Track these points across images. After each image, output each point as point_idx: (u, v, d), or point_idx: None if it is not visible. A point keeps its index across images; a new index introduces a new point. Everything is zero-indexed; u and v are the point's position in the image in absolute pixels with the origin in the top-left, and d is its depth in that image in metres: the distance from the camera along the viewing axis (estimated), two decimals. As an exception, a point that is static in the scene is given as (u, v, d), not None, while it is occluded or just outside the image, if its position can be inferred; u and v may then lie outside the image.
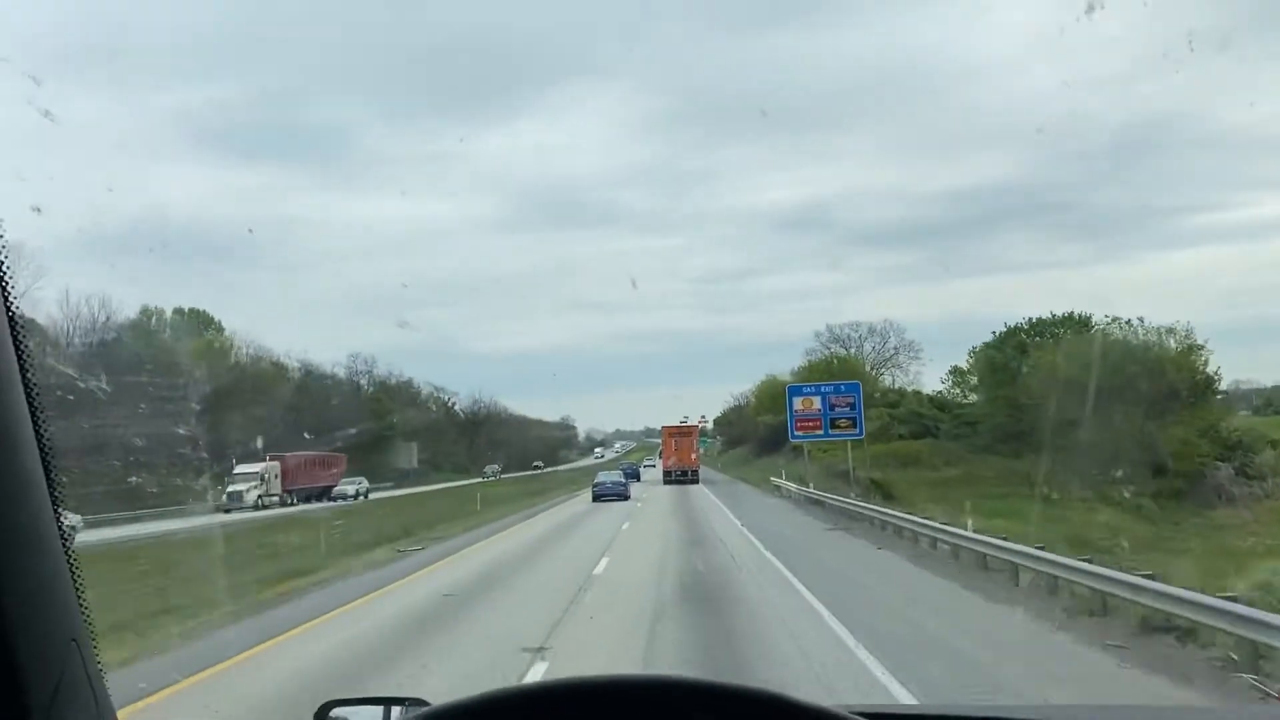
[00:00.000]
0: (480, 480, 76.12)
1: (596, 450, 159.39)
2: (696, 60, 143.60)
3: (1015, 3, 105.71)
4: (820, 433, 48.91)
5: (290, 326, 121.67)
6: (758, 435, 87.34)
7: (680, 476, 64.57)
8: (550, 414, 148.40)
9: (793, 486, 44.53)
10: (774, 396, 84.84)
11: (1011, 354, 64.60)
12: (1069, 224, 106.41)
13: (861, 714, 1.12)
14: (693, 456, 67.70)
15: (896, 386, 77.95)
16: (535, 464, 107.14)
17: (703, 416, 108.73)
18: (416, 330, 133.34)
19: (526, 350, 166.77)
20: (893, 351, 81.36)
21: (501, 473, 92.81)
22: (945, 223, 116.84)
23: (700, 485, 60.43)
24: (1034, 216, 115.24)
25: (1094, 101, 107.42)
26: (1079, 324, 62.85)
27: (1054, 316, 65.31)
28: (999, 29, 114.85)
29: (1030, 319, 66.04)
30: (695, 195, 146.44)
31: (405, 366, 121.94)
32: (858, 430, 48.19)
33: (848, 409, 47.84)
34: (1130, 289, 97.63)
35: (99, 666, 1.37)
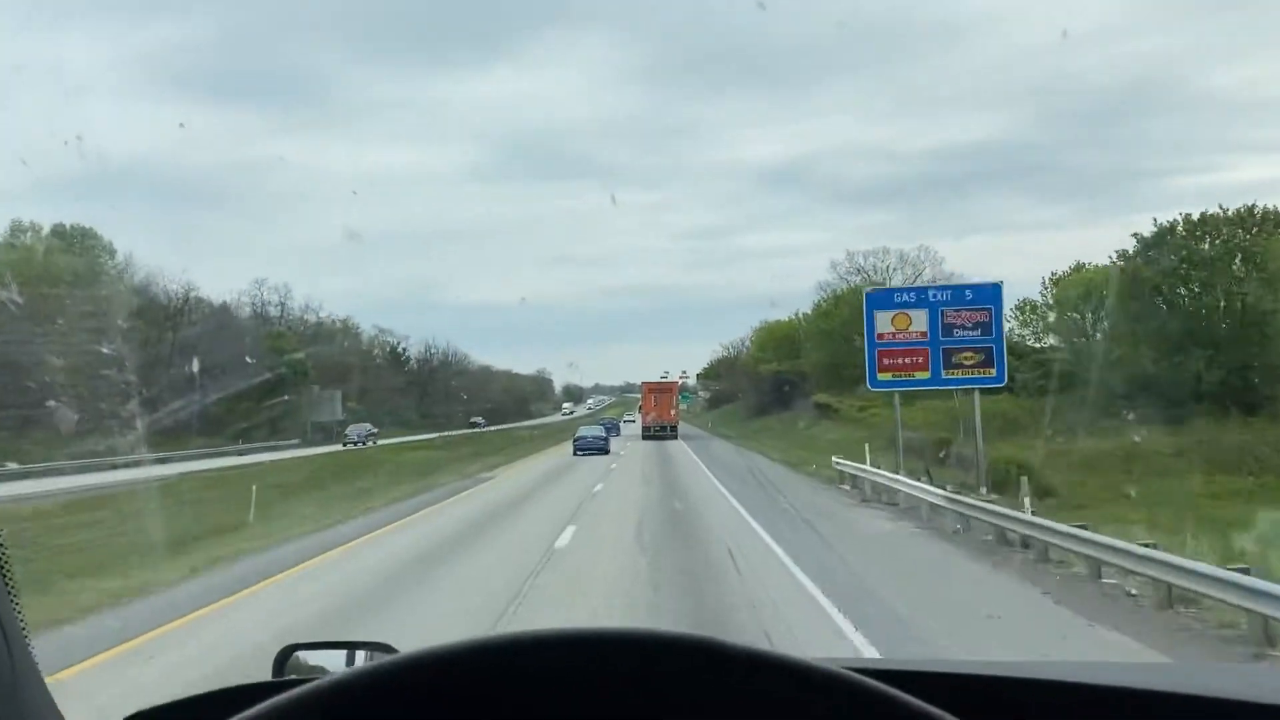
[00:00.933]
0: (429, 437, 61.32)
1: (565, 406, 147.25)
2: (680, 10, 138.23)
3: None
4: (925, 376, 26.65)
5: (251, 270, 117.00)
6: (758, 389, 74.64)
7: (659, 432, 65.10)
8: (526, 367, 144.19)
9: (890, 478, 23.75)
10: (781, 340, 71.43)
11: (1171, 267, 43.46)
12: (1052, 185, 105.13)
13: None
14: (672, 413, 67.85)
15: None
16: (473, 420, 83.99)
17: (683, 372, 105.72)
18: (367, 244, 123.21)
19: (502, 304, 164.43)
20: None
21: (486, 425, 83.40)
22: (928, 181, 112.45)
23: (679, 441, 60.24)
24: (1018, 178, 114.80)
25: (1081, 60, 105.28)
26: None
27: (1226, 213, 44.86)
28: None
29: (1185, 215, 45.25)
30: (677, 149, 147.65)
31: (375, 319, 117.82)
32: (996, 372, 26.27)
33: (976, 333, 26.00)
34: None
35: (12, 599, 1.24)
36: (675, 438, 63.29)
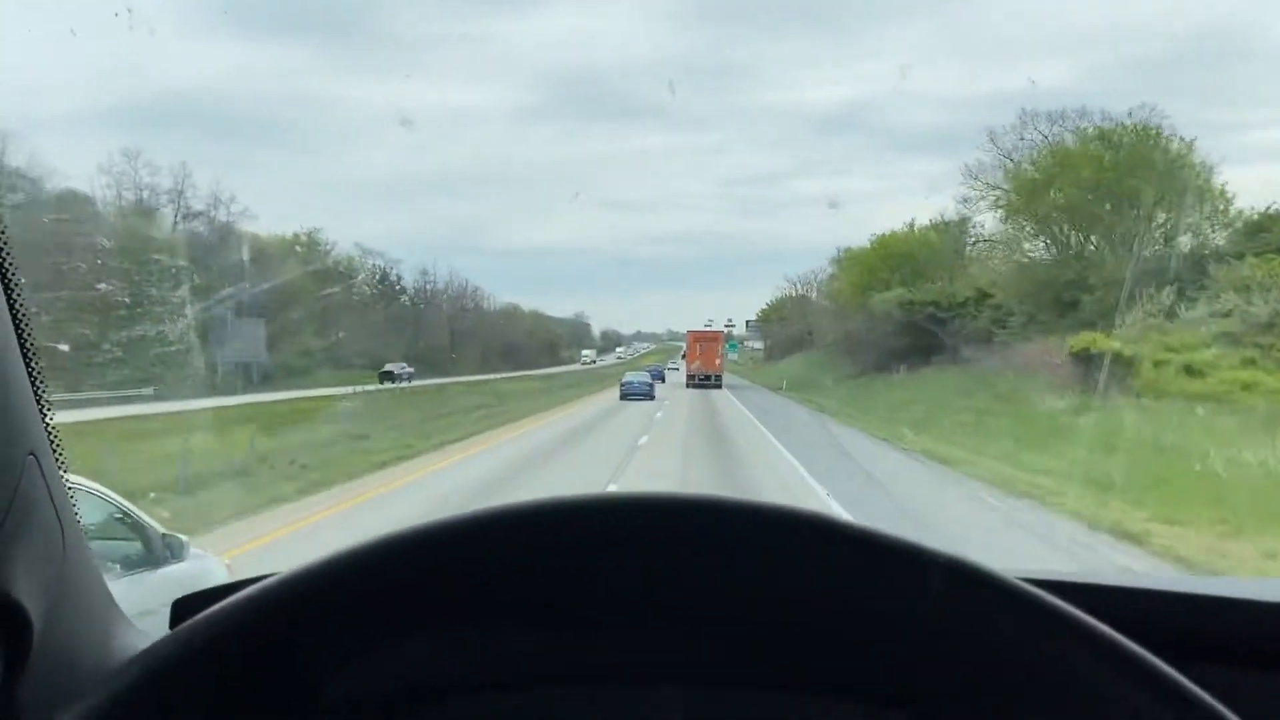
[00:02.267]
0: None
1: (585, 354, 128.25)
2: None
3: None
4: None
5: (285, 206, 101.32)
6: (867, 332, 49.13)
7: (704, 381, 63.47)
8: (566, 312, 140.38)
9: None
10: (899, 260, 49.67)
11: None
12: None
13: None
14: (716, 362, 66.27)
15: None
16: (388, 369, 55.16)
17: (729, 320, 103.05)
18: (406, 186, 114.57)
19: (543, 248, 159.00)
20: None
21: (408, 378, 65.52)
22: (992, 130, 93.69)
23: (725, 391, 58.89)
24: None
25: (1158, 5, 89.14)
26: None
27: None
28: None
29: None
30: (729, 91, 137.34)
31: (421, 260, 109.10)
32: None
33: None
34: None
35: (65, 483, 1.24)
36: (720, 387, 61.79)
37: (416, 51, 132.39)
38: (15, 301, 1.18)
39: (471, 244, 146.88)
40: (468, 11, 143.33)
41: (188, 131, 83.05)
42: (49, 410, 1.24)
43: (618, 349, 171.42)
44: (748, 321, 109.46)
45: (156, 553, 6.08)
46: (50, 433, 1.24)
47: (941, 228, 48.58)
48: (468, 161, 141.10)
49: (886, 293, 45.04)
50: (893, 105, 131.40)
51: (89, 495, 5.84)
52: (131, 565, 5.79)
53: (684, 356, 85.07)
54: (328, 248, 65.24)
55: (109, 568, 5.16)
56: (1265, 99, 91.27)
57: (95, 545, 2.85)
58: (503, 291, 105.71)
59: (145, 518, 6.26)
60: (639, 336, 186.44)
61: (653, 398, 49.14)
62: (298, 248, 58.68)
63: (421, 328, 72.76)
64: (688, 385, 64.48)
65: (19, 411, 1.17)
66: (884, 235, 53.81)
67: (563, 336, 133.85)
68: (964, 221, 45.30)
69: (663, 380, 72.94)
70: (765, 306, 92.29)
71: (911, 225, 52.79)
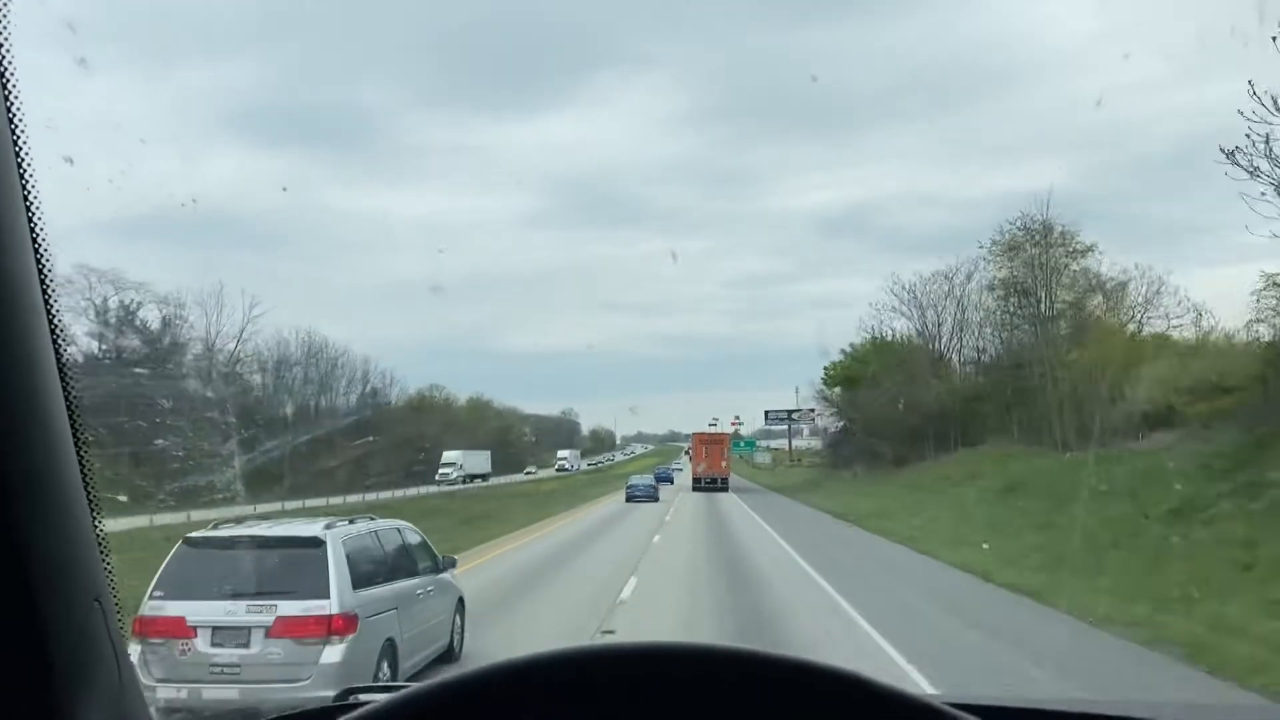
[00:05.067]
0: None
1: (561, 455, 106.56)
2: (736, 54, 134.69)
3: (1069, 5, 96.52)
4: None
5: (299, 314, 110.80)
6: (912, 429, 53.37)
7: (709, 484, 63.28)
8: (587, 417, 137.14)
9: None
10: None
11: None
12: (1117, 236, 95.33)
13: (959, 705, 1.05)
14: (723, 464, 66.32)
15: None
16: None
17: (736, 418, 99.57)
18: (412, 292, 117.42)
19: (547, 350, 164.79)
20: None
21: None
22: (988, 230, 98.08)
23: (731, 494, 58.47)
24: (1080, 227, 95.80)
25: (1149, 109, 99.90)
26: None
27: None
28: (1050, 25, 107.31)
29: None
30: (731, 196, 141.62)
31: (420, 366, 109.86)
32: None
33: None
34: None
35: (120, 625, 1.36)
36: (726, 489, 61.85)
37: (420, 161, 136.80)
38: (84, 457, 1.30)
39: (473, 348, 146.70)
40: (473, 122, 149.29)
41: (197, 238, 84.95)
42: (109, 556, 1.35)
43: (617, 450, 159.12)
44: (767, 412, 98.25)
45: (440, 564, 10.82)
46: (110, 577, 1.34)
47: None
48: (469, 268, 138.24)
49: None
50: (888, 208, 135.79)
51: (412, 530, 10.64)
52: (428, 571, 10.49)
53: (687, 453, 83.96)
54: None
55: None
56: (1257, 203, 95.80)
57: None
58: (503, 394, 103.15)
59: (433, 546, 11.02)
60: (639, 438, 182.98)
61: (657, 499, 51.42)
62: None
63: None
64: (693, 489, 64.05)
65: (85, 560, 1.27)
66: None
67: (548, 436, 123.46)
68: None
69: (670, 483, 73.57)
70: (834, 365, 71.09)
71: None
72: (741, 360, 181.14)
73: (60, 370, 1.25)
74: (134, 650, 7.99)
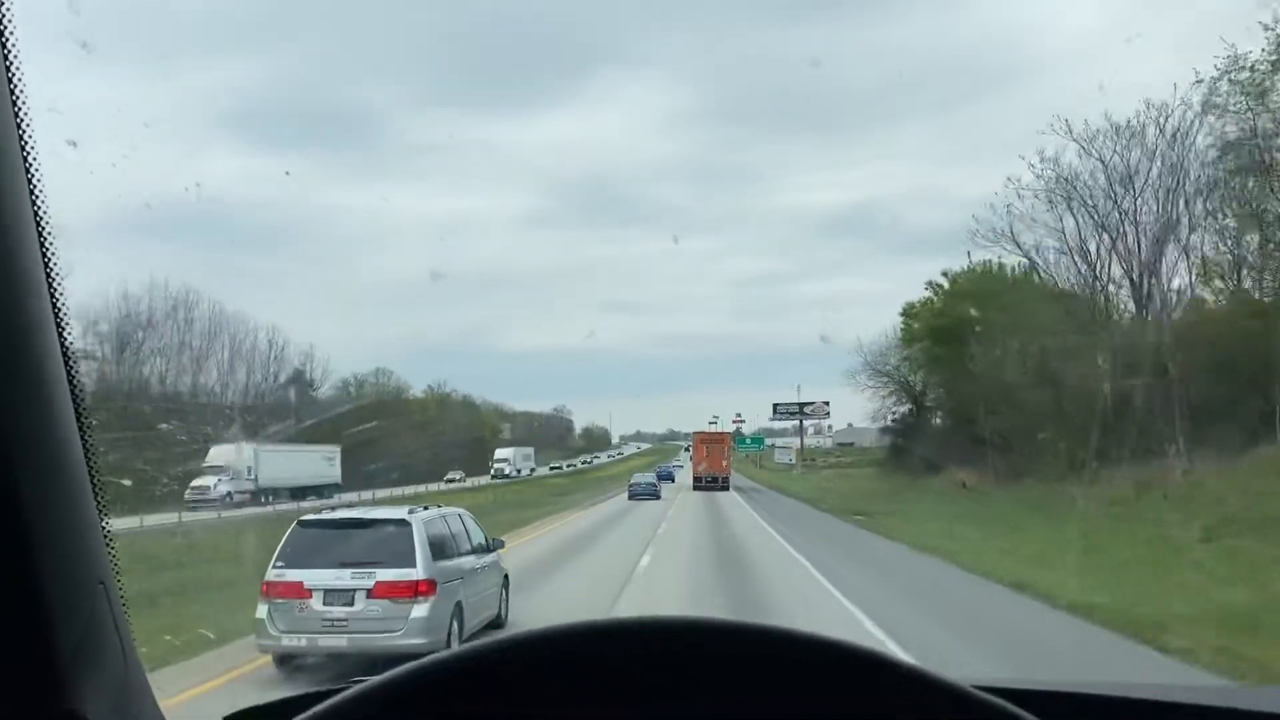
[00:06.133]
0: None
1: (499, 457, 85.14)
2: (737, 51, 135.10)
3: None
4: None
5: (294, 312, 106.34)
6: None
7: (710, 483, 62.44)
8: (587, 417, 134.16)
9: None
10: None
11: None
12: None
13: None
14: (723, 463, 65.77)
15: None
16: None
17: (738, 415, 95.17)
18: (412, 290, 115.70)
19: (546, 349, 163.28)
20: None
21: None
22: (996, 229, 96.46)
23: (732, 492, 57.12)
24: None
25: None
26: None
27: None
28: (1060, 21, 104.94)
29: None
30: (734, 195, 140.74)
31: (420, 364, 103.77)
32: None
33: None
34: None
35: (124, 609, 1.37)
36: (727, 489, 61.11)
37: (421, 159, 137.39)
38: (88, 441, 1.28)
39: (473, 349, 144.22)
40: (473, 119, 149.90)
41: (187, 237, 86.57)
42: (113, 540, 1.36)
43: (606, 451, 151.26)
44: (775, 405, 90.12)
45: (490, 545, 12.91)
46: (114, 561, 1.35)
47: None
48: (467, 266, 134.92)
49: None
50: (892, 206, 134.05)
51: (469, 517, 12.73)
52: (482, 550, 12.56)
53: (687, 450, 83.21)
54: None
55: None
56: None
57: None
58: (501, 395, 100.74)
59: (482, 530, 13.11)
60: (638, 437, 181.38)
61: (659, 497, 51.84)
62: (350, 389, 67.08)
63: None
64: (694, 488, 63.31)
65: (89, 543, 1.28)
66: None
67: (541, 434, 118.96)
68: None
69: (672, 480, 73.71)
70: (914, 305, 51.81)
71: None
72: (742, 360, 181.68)
73: (64, 354, 1.25)
74: (261, 609, 10.12)
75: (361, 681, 1.06)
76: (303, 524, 10.75)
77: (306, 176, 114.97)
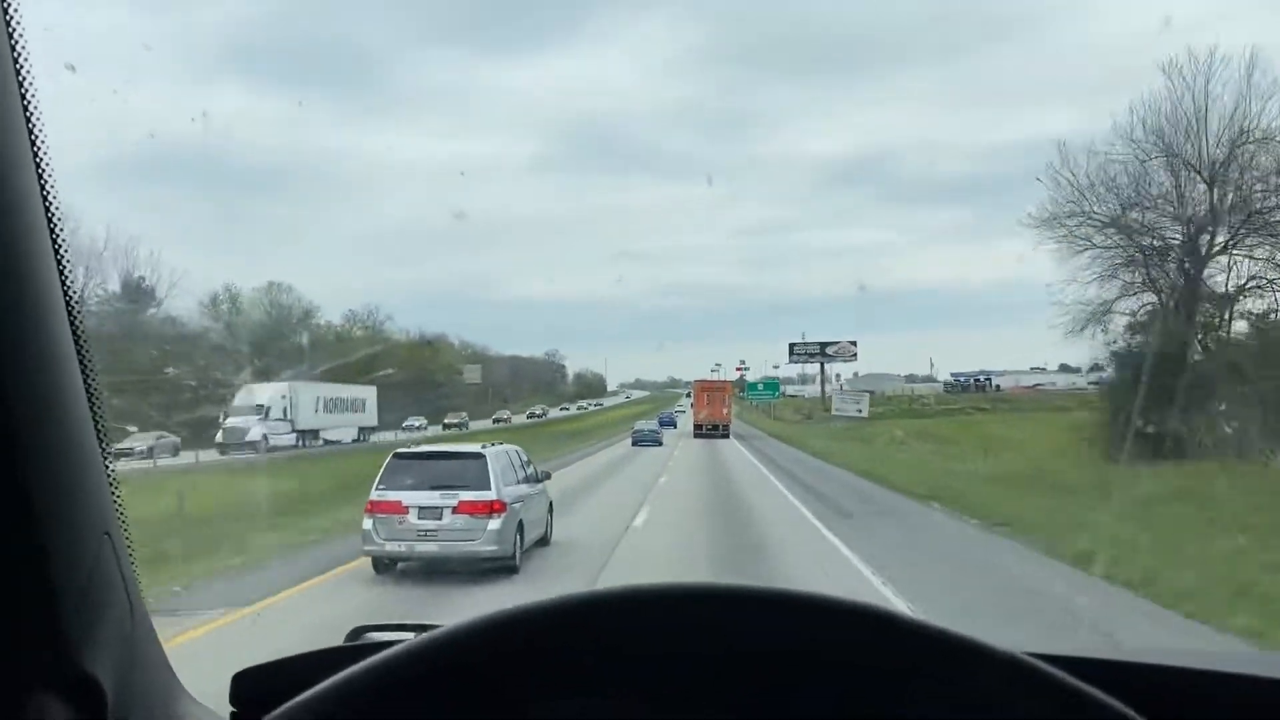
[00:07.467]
0: None
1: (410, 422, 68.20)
2: None
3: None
4: None
5: (290, 260, 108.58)
6: None
7: (711, 431, 63.54)
8: (581, 364, 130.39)
9: None
10: None
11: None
12: None
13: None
14: (724, 411, 66.53)
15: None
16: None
17: (741, 363, 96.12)
18: (413, 237, 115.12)
19: (552, 298, 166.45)
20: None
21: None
22: (1008, 178, 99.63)
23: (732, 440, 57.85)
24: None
25: (1185, 47, 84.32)
26: None
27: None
28: None
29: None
30: (738, 142, 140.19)
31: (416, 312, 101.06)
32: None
33: None
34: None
35: (131, 561, 1.34)
36: (727, 436, 62.12)
37: (424, 103, 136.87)
38: (92, 387, 1.23)
39: (478, 296, 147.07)
40: (477, 62, 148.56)
41: (190, 183, 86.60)
42: (118, 489, 1.31)
43: (600, 399, 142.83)
44: (792, 345, 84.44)
45: (539, 477, 15.41)
46: (120, 511, 1.30)
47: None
48: (477, 213, 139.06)
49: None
50: (902, 154, 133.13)
51: (523, 452, 15.21)
52: (533, 480, 15.04)
53: (688, 396, 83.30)
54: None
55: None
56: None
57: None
58: (507, 344, 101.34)
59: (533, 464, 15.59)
60: (637, 384, 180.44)
61: (660, 443, 53.43)
62: (357, 331, 68.91)
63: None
64: (695, 435, 64.22)
65: (95, 493, 1.23)
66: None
67: (528, 380, 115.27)
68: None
69: (674, 426, 74.81)
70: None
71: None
72: (747, 309, 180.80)
73: (65, 293, 1.19)
74: (367, 522, 12.62)
75: (364, 645, 1.24)
76: (398, 455, 13.26)
77: (304, 119, 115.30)
